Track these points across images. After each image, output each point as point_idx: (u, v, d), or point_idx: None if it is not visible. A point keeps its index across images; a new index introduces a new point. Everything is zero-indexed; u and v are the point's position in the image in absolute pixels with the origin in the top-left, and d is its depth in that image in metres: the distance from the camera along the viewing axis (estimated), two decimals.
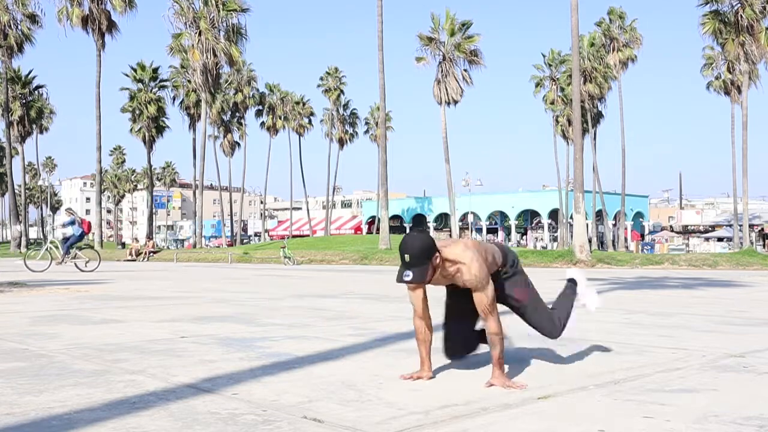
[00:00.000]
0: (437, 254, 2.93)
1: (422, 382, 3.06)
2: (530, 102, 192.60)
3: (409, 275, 2.88)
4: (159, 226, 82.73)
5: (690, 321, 5.67)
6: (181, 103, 51.49)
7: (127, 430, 2.27)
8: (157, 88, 49.47)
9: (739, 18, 31.32)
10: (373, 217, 66.21)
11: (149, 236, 45.72)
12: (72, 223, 16.82)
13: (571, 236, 26.23)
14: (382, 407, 2.59)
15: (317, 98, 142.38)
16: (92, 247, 20.61)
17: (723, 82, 46.37)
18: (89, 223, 17.30)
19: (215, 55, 36.88)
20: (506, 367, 3.07)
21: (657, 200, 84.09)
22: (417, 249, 2.88)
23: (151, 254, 33.47)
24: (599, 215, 50.48)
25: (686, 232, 60.91)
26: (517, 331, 4.96)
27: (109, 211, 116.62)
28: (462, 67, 37.95)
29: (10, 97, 45.91)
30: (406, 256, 2.88)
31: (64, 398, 2.72)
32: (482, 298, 3.00)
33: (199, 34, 36.57)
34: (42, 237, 71.94)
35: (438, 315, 3.35)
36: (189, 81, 45.98)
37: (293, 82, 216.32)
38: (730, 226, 50.21)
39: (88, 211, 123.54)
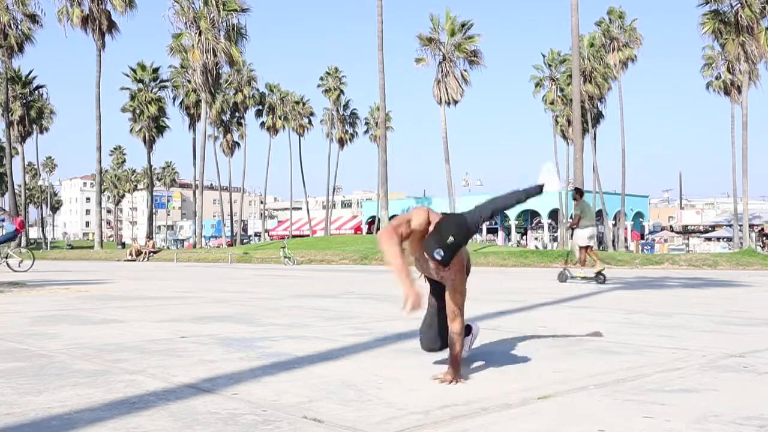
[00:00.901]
0: None
1: (422, 382, 3.06)
2: (530, 102, 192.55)
3: (441, 254, 2.79)
4: (159, 226, 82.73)
5: (690, 321, 5.67)
6: (181, 103, 51.49)
7: (127, 430, 2.27)
8: (157, 88, 49.51)
9: (739, 18, 31.33)
10: (373, 217, 66.19)
11: (149, 236, 45.72)
12: (2, 221, 16.72)
13: (571, 236, 26.20)
14: (382, 407, 2.59)
15: (317, 98, 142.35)
16: (28, 248, 20.51)
17: (723, 82, 46.37)
18: (22, 221, 17.12)
19: (215, 55, 36.88)
20: (505, 369, 3.06)
21: (657, 200, 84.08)
22: (463, 239, 2.84)
23: (151, 254, 33.47)
24: (599, 215, 50.46)
25: (686, 232, 60.89)
26: (512, 331, 4.96)
27: (109, 211, 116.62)
28: (462, 67, 37.97)
29: (10, 97, 45.92)
30: (451, 238, 2.79)
31: (64, 398, 2.72)
32: (457, 298, 3.10)
33: (199, 34, 36.57)
34: (42, 237, 71.93)
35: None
36: (189, 81, 45.99)
37: (293, 82, 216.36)
38: (730, 226, 50.21)
39: (88, 211, 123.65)
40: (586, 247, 11.71)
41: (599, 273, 11.44)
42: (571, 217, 11.58)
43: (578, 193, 12.01)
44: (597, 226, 11.72)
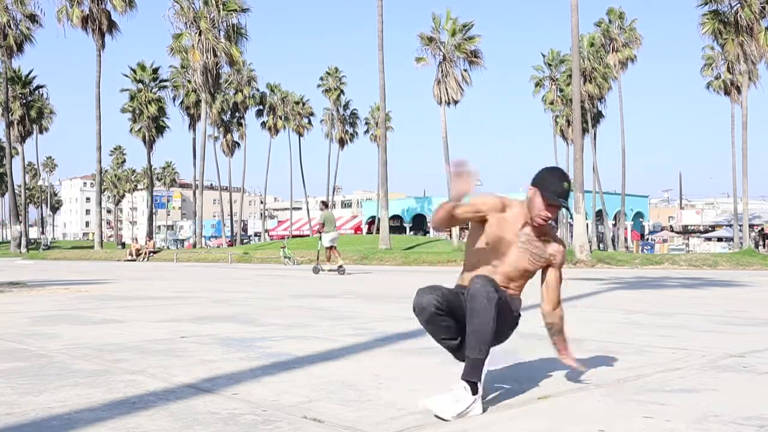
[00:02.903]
0: None
1: (422, 382, 3.05)
2: (530, 102, 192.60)
3: (565, 203, 2.81)
4: (159, 226, 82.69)
5: (690, 321, 5.67)
6: (181, 103, 51.45)
7: (127, 430, 2.27)
8: (157, 88, 49.46)
9: (739, 18, 31.31)
10: (373, 217, 66.16)
11: (149, 236, 45.67)
12: None
13: (571, 236, 26.22)
14: (382, 407, 2.59)
15: (317, 98, 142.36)
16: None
17: (723, 82, 46.34)
18: None
19: (215, 55, 36.85)
20: (505, 369, 3.05)
21: (657, 200, 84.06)
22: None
23: (151, 254, 33.45)
24: (599, 215, 50.45)
25: (686, 232, 60.85)
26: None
27: (109, 211, 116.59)
28: (462, 68, 37.93)
29: (10, 97, 45.87)
30: (565, 184, 2.81)
31: (64, 398, 2.72)
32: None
33: (200, 34, 36.54)
34: (42, 237, 71.92)
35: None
36: (189, 81, 45.95)
37: (293, 82, 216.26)
38: (730, 226, 50.18)
39: (88, 211, 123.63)
40: (330, 247, 15.13)
41: (340, 266, 15.17)
42: (323, 224, 15.16)
43: (324, 204, 15.68)
44: (338, 231, 15.71)
